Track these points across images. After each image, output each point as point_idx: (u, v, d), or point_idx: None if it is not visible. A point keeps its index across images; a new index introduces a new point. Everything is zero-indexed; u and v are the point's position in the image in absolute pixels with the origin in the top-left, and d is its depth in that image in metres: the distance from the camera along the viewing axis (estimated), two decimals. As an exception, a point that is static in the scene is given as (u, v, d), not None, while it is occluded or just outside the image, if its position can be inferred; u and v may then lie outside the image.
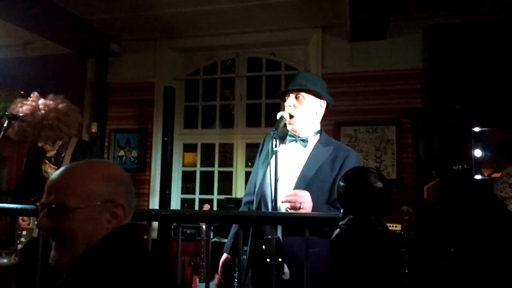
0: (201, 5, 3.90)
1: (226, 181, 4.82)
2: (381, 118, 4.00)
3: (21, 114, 2.70)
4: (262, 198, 1.94)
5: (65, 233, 1.01)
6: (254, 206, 2.00)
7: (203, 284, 3.64)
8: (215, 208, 4.58)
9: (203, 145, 4.83)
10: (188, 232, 4.14)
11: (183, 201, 4.80)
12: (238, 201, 3.85)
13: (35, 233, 2.77)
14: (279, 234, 1.79)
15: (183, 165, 4.88)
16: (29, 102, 2.78)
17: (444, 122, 3.82)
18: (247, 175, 4.40)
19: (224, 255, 2.09)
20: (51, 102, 2.81)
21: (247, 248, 2.02)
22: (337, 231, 1.02)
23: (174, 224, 4.02)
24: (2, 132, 2.61)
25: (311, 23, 4.18)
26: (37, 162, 2.88)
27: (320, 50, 4.21)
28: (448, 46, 3.85)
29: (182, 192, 4.82)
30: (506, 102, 3.64)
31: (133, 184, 1.15)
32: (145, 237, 1.81)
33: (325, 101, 2.04)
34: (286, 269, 1.74)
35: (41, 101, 2.79)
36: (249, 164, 4.54)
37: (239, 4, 3.85)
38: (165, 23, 4.33)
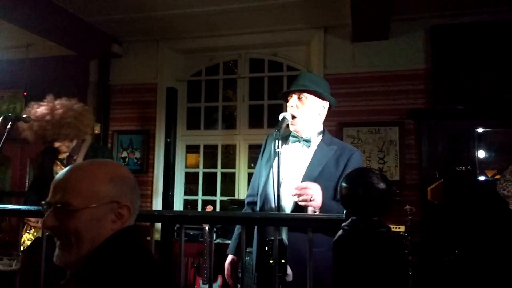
0: (203, 6, 3.91)
1: (229, 182, 4.82)
2: (384, 119, 3.99)
3: (38, 115, 2.75)
4: (265, 199, 1.94)
5: (70, 232, 1.01)
6: (257, 207, 2.00)
7: (206, 285, 3.64)
8: (218, 209, 4.57)
9: (205, 146, 4.83)
10: (191, 233, 4.14)
11: (186, 202, 4.80)
12: (241, 202, 3.84)
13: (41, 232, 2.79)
14: (284, 235, 1.79)
15: (186, 166, 4.89)
16: (45, 103, 2.84)
17: (447, 123, 3.81)
18: (250, 176, 4.38)
19: (230, 257, 2.08)
20: (67, 102, 2.88)
21: (250, 249, 2.02)
22: (339, 232, 1.02)
23: (177, 225, 4.02)
24: (6, 134, 2.62)
25: (313, 23, 4.18)
26: (49, 163, 2.94)
27: (322, 51, 4.21)
28: (451, 47, 3.84)
29: (185, 194, 4.82)
30: (509, 102, 3.62)
31: (138, 186, 1.15)
32: (148, 238, 1.81)
33: (328, 102, 2.03)
34: (289, 271, 1.74)
35: (58, 101, 2.86)
36: (252, 165, 4.54)
37: (241, 5, 3.85)
38: (167, 24, 4.34)
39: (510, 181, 3.18)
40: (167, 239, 4.19)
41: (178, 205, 4.67)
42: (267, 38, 4.41)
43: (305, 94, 1.97)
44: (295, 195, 1.73)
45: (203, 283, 3.76)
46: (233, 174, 4.63)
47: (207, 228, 3.78)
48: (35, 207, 1.85)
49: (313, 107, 1.99)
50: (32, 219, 2.86)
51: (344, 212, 1.27)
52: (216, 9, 3.95)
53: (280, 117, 1.96)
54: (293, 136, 2.01)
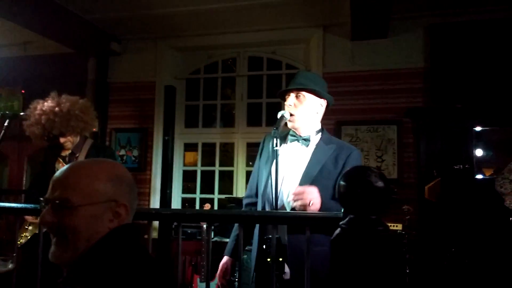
0: (202, 4, 3.90)
1: (227, 180, 4.82)
2: (382, 117, 3.99)
3: (45, 109, 2.79)
4: (267, 200, 1.94)
5: (67, 229, 1.01)
6: (258, 208, 1.99)
7: (204, 284, 3.64)
8: (216, 207, 4.57)
9: (204, 145, 4.82)
10: (189, 231, 4.14)
11: (184, 200, 4.80)
12: (239, 201, 3.84)
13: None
14: (283, 233, 1.78)
15: (184, 165, 4.88)
16: (49, 98, 2.88)
17: (445, 122, 3.81)
18: (248, 174, 4.38)
19: (225, 258, 2.08)
20: (72, 97, 2.92)
21: (249, 247, 2.02)
22: (337, 230, 1.02)
23: (175, 223, 4.01)
24: (3, 131, 2.62)
25: (312, 22, 4.17)
26: (51, 160, 2.96)
27: (321, 49, 4.20)
28: (450, 45, 3.84)
29: (183, 192, 4.82)
30: (508, 101, 3.63)
31: (136, 186, 1.16)
32: (145, 236, 1.80)
33: (326, 101, 2.03)
34: (286, 269, 1.74)
35: (63, 96, 2.91)
36: (250, 163, 4.54)
37: (240, 3, 3.84)
38: (166, 22, 4.33)
39: (507, 179, 3.19)
40: (165, 237, 4.18)
41: (176, 203, 4.66)
42: (266, 36, 4.41)
43: (303, 93, 1.97)
44: (293, 200, 1.73)
45: (200, 281, 3.76)
46: (231, 172, 4.62)
47: (205, 226, 3.77)
48: (33, 205, 1.84)
49: (311, 105, 1.98)
50: (29, 216, 2.87)
51: (342, 211, 1.27)
52: (215, 7, 3.94)
53: (279, 115, 1.96)
54: (292, 135, 2.01)
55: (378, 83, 4.03)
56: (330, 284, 1.02)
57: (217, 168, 4.67)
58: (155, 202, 4.48)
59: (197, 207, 4.66)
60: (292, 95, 1.98)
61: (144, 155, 4.62)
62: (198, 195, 4.71)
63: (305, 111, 1.97)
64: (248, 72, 4.65)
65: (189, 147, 4.95)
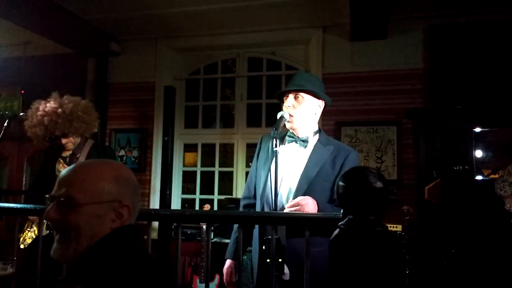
0: (202, 4, 3.90)
1: (227, 181, 4.82)
2: (382, 118, 3.99)
3: (48, 109, 2.79)
4: (266, 202, 1.93)
5: (70, 226, 1.03)
6: (257, 209, 1.99)
7: (204, 285, 3.64)
8: (215, 208, 4.57)
9: (203, 145, 4.82)
10: (188, 232, 4.14)
11: (183, 201, 4.80)
12: (238, 201, 3.84)
13: (44, 232, 2.80)
14: (283, 234, 1.78)
15: (184, 165, 4.88)
16: (52, 99, 2.88)
17: (445, 123, 3.81)
18: (248, 175, 4.39)
19: (228, 261, 2.07)
20: (74, 98, 2.94)
21: (249, 248, 2.02)
22: (336, 231, 1.02)
23: (175, 224, 4.01)
24: (3, 132, 2.62)
25: (312, 22, 4.17)
26: (52, 161, 2.96)
27: (320, 50, 4.20)
28: (449, 46, 3.84)
29: (183, 192, 4.82)
30: (507, 102, 3.63)
31: (140, 188, 1.18)
32: (145, 237, 1.80)
33: (324, 101, 2.03)
34: (286, 270, 1.74)
35: (65, 97, 2.91)
36: (250, 164, 4.52)
37: (240, 3, 3.85)
38: (166, 23, 4.33)
39: (507, 181, 3.19)
40: (164, 238, 4.18)
41: (176, 204, 4.66)
42: (265, 37, 4.41)
43: (302, 94, 1.97)
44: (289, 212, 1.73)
45: (200, 282, 3.76)
46: (231, 173, 4.62)
47: (204, 227, 3.77)
48: (32, 206, 1.84)
49: (309, 106, 1.99)
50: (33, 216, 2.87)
51: (341, 211, 1.27)
52: (214, 8, 3.95)
53: (278, 116, 1.96)
54: (290, 136, 2.01)
55: (377, 84, 4.03)
56: (330, 285, 1.02)
57: (216, 169, 4.67)
58: (154, 203, 4.48)
59: (197, 207, 4.66)
60: (291, 96, 1.98)
61: (144, 155, 4.62)
62: (197, 196, 4.71)
63: (303, 112, 1.97)
64: (247, 73, 4.65)
65: (189, 147, 4.95)
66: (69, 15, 4.06)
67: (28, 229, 2.96)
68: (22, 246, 2.90)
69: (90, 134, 3.14)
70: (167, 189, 4.32)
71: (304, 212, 1.70)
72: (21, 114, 2.76)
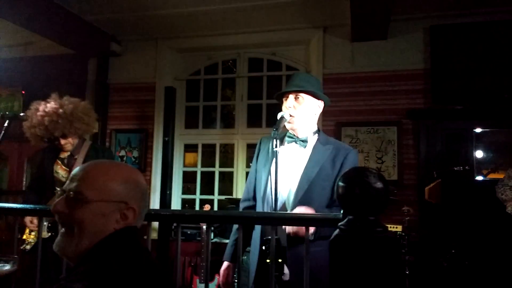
0: (202, 5, 3.90)
1: (227, 181, 4.82)
2: (382, 118, 3.99)
3: (48, 110, 2.79)
4: (267, 203, 1.94)
5: (75, 221, 1.05)
6: (258, 210, 1.99)
7: (203, 285, 3.63)
8: (215, 208, 4.57)
9: (204, 145, 4.82)
10: (188, 232, 4.14)
11: (183, 201, 4.80)
12: (238, 202, 3.84)
13: (45, 235, 2.79)
14: (283, 234, 1.78)
15: (184, 165, 4.88)
16: (51, 100, 2.88)
17: (445, 123, 3.81)
18: (248, 175, 4.40)
19: (225, 263, 2.08)
20: (73, 99, 2.93)
21: (249, 248, 2.02)
22: (336, 231, 1.02)
23: (175, 224, 4.01)
24: (3, 132, 2.62)
25: (312, 23, 4.18)
26: (50, 162, 2.95)
27: (321, 50, 4.20)
28: (450, 47, 3.84)
29: (183, 193, 4.82)
30: (508, 103, 3.63)
31: (148, 193, 1.19)
32: (145, 237, 1.80)
33: (323, 102, 2.04)
34: (286, 270, 1.74)
35: (65, 97, 2.91)
36: (250, 164, 4.52)
37: (240, 4, 3.85)
38: (166, 23, 4.33)
39: (508, 185, 3.19)
40: (164, 238, 4.18)
41: (176, 204, 4.66)
42: (266, 37, 4.41)
43: (302, 94, 1.97)
44: (292, 233, 1.75)
45: (200, 282, 3.76)
46: (231, 173, 4.62)
47: (204, 227, 3.77)
48: (32, 206, 1.84)
49: (309, 107, 1.99)
50: (30, 223, 2.86)
51: (341, 211, 1.27)
52: (215, 8, 3.94)
53: (278, 116, 1.96)
54: (289, 137, 2.01)
55: (378, 84, 4.03)
56: (330, 285, 1.02)
57: (217, 169, 4.67)
58: (155, 203, 4.48)
59: (197, 208, 4.66)
60: (291, 96, 1.98)
61: (144, 156, 4.62)
62: (198, 196, 4.71)
63: (304, 113, 1.98)
64: (248, 73, 4.65)
65: (189, 148, 4.95)
66: (69, 16, 4.07)
67: (27, 233, 2.96)
68: (28, 247, 2.90)
69: (90, 135, 3.14)
70: (167, 189, 4.32)
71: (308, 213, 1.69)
72: (22, 114, 2.76)
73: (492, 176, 3.63)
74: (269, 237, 1.56)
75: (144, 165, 4.59)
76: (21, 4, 3.59)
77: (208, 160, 4.93)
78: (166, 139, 4.38)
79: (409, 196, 3.78)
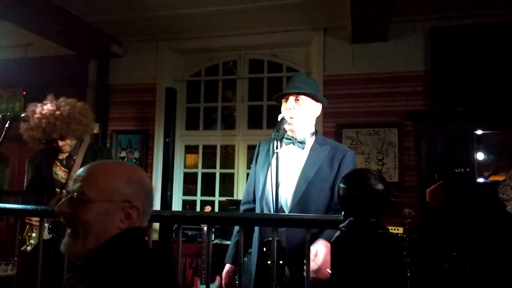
0: (203, 6, 3.91)
1: (228, 182, 4.82)
2: (383, 120, 3.99)
3: (44, 112, 2.76)
4: (266, 203, 1.94)
5: (79, 222, 1.05)
6: (257, 212, 1.99)
7: (204, 286, 3.63)
8: (216, 209, 4.57)
9: (204, 147, 4.83)
10: (189, 233, 4.14)
11: (184, 202, 4.80)
12: (239, 203, 3.84)
13: (46, 236, 2.79)
14: (283, 236, 1.78)
15: (185, 167, 4.88)
16: (48, 102, 2.86)
17: (446, 125, 3.81)
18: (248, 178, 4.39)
19: (227, 266, 2.08)
20: (70, 100, 2.90)
21: (249, 250, 2.02)
22: (337, 233, 1.02)
23: (175, 225, 4.01)
24: (4, 133, 2.61)
25: (313, 24, 4.18)
26: (48, 163, 2.94)
27: (321, 52, 4.21)
28: (451, 49, 3.84)
29: (184, 194, 4.82)
30: (509, 104, 3.62)
31: (153, 192, 1.19)
32: (146, 238, 1.80)
33: (321, 104, 2.05)
34: (287, 272, 1.74)
35: (61, 99, 2.88)
36: (251, 165, 4.53)
37: (241, 5, 3.85)
38: (167, 25, 4.34)
39: (509, 185, 3.19)
40: (165, 239, 4.18)
41: (177, 205, 4.66)
42: (266, 39, 4.41)
43: (302, 96, 1.99)
44: (317, 278, 1.67)
45: (201, 284, 3.75)
46: (232, 174, 4.62)
47: (205, 228, 3.77)
48: (33, 207, 1.84)
49: (309, 109, 2.01)
50: (34, 218, 2.86)
51: (342, 213, 1.27)
52: (216, 10, 3.95)
53: (279, 118, 1.96)
54: (287, 138, 2.02)
55: (378, 86, 4.03)
56: (330, 287, 1.02)
57: (217, 171, 4.67)
58: (155, 204, 4.44)
59: (198, 209, 4.66)
60: (292, 98, 1.99)
61: (145, 157, 4.62)
62: (198, 197, 4.71)
63: (304, 114, 1.99)
64: (248, 75, 4.66)
65: (190, 149, 4.95)
66: (70, 17, 4.07)
67: (29, 234, 2.95)
68: (29, 248, 2.90)
69: (90, 135, 3.13)
70: (168, 190, 4.31)
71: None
72: (23, 115, 2.75)
73: (493, 178, 3.63)
74: (270, 239, 1.56)
75: (145, 166, 4.59)
76: (22, 5, 3.59)
77: (208, 161, 4.93)
78: (167, 140, 4.38)
79: (410, 198, 3.77)
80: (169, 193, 4.33)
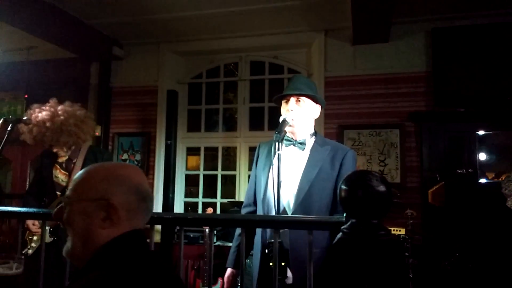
0: (204, 9, 3.91)
1: (229, 184, 4.82)
2: (385, 121, 3.99)
3: (38, 120, 2.73)
4: (268, 205, 1.94)
5: (65, 223, 1.08)
6: (259, 214, 1.99)
7: (206, 288, 3.63)
8: (218, 211, 4.57)
9: (206, 149, 4.83)
10: (191, 235, 4.13)
11: (186, 204, 4.80)
12: (241, 205, 3.83)
13: (47, 239, 2.79)
14: (285, 237, 1.78)
15: (187, 169, 4.89)
16: (47, 107, 2.82)
17: (448, 126, 3.80)
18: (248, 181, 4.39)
19: (229, 270, 2.07)
20: (70, 109, 2.86)
21: (251, 252, 2.01)
22: (339, 235, 1.01)
23: (177, 227, 4.00)
24: (6, 136, 2.62)
25: (314, 26, 4.18)
26: (48, 167, 2.92)
27: (322, 54, 4.21)
28: (452, 49, 3.83)
29: (186, 196, 4.82)
30: (510, 105, 3.62)
31: (149, 190, 1.14)
32: (148, 240, 1.80)
33: (320, 106, 2.06)
34: (289, 273, 1.74)
35: (60, 107, 2.84)
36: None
37: (242, 7, 3.85)
38: (168, 27, 4.35)
39: None
40: (167, 241, 4.18)
41: (179, 207, 4.66)
42: (268, 40, 4.42)
43: (303, 98, 1.99)
44: None
45: (203, 286, 3.75)
46: (234, 176, 4.62)
47: (207, 230, 3.77)
48: (35, 210, 1.84)
49: (310, 110, 2.02)
50: (32, 226, 2.85)
51: (344, 215, 1.27)
52: (217, 12, 3.95)
53: (281, 119, 1.96)
54: (287, 140, 2.02)
55: (380, 87, 4.03)
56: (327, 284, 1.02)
57: (219, 172, 4.67)
58: (157, 206, 4.48)
59: (200, 211, 4.66)
60: (293, 99, 2.00)
61: (147, 159, 4.63)
62: (200, 199, 4.71)
63: (304, 116, 2.00)
64: (250, 77, 4.66)
65: (192, 151, 4.95)
66: (72, 20, 4.09)
67: (30, 237, 2.95)
68: (30, 251, 2.89)
69: (92, 138, 3.11)
70: (170, 192, 4.32)
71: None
72: (25, 118, 2.74)
73: (496, 179, 3.62)
74: (272, 240, 1.56)
75: (146, 169, 4.60)
76: (23, 8, 3.61)
77: (210, 163, 4.93)
78: (169, 142, 4.39)
79: (412, 199, 3.76)
80: (171, 195, 4.33)
